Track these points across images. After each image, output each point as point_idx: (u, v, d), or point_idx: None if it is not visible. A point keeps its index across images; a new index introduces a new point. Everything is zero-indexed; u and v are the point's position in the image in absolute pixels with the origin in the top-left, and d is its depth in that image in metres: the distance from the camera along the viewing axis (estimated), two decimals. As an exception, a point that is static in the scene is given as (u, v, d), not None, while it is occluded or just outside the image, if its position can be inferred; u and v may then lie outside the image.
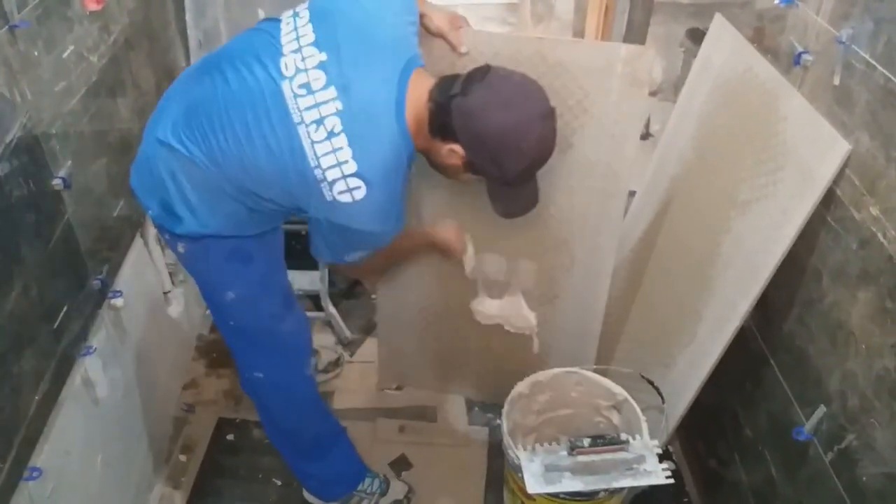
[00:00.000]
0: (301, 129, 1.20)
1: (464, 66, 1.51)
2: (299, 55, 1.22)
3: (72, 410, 1.43)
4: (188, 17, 2.17)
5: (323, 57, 1.21)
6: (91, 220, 1.57)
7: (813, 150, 1.29)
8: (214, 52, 1.40)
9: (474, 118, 1.22)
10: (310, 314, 2.40)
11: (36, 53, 1.35)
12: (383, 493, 1.85)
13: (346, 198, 1.21)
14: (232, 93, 1.26)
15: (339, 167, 1.19)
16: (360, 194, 1.20)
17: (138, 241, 1.85)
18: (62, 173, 1.42)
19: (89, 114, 1.57)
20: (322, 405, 1.76)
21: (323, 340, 2.37)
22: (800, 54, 1.37)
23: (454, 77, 1.27)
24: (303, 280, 2.35)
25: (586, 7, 2.58)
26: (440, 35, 1.49)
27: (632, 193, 2.07)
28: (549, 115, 1.28)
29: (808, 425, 1.31)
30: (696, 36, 2.84)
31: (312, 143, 1.20)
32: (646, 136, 2.95)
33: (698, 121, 1.77)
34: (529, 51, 1.49)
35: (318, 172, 1.20)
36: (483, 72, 1.26)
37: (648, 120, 2.96)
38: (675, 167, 1.86)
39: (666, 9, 3.05)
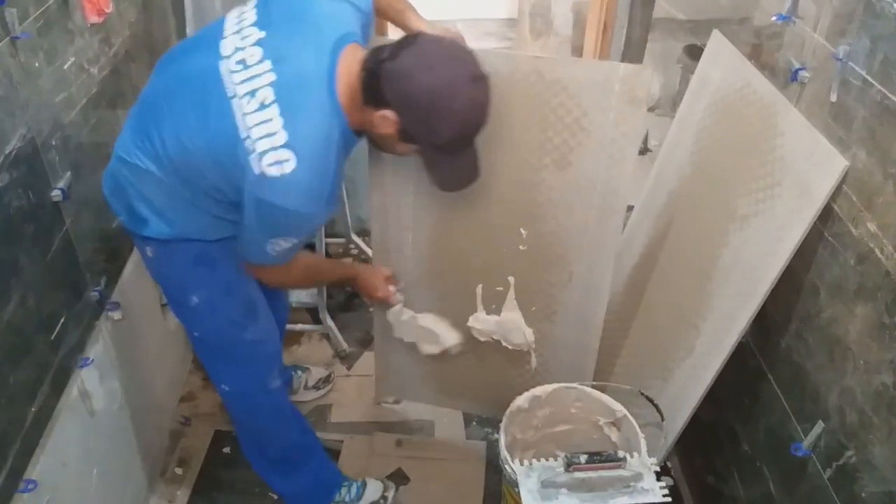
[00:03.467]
0: (234, 102, 1.21)
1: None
2: (239, 36, 1.26)
3: (68, 422, 1.43)
4: (189, 29, 2.18)
5: (261, 35, 1.25)
6: (90, 231, 1.57)
7: (810, 166, 1.29)
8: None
9: (403, 80, 1.22)
10: (308, 327, 2.41)
11: (37, 65, 1.35)
12: (359, 498, 1.85)
13: (274, 171, 1.19)
14: (172, 83, 1.31)
15: (269, 138, 1.19)
16: (289, 167, 1.19)
17: (136, 253, 1.85)
18: (61, 184, 1.42)
19: (89, 125, 1.58)
20: (292, 420, 1.75)
21: (320, 353, 2.37)
22: (797, 70, 1.38)
23: (383, 45, 1.27)
24: (301, 293, 2.35)
25: (585, 23, 2.60)
26: None
27: (630, 208, 2.08)
28: (480, 78, 1.27)
29: (807, 441, 1.31)
30: (694, 52, 2.87)
31: (244, 114, 1.20)
32: (644, 150, 2.97)
33: (696, 136, 1.78)
34: (527, 69, 1.50)
35: (248, 143, 1.20)
36: (413, 37, 1.27)
37: (647, 135, 2.98)
38: (673, 182, 1.87)
39: (664, 25, 3.08)
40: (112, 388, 1.65)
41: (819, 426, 1.28)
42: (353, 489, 1.86)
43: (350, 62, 1.25)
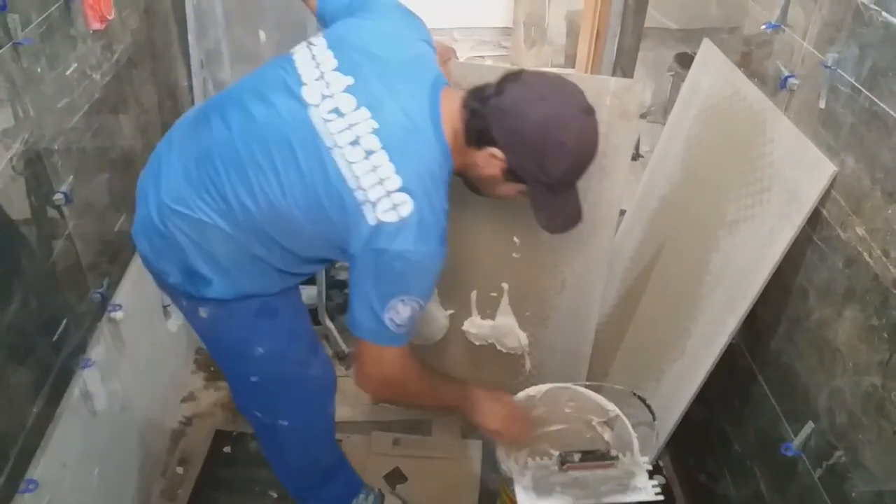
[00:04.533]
0: (336, 153, 1.15)
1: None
2: (323, 82, 1.19)
3: (69, 423, 1.43)
4: (190, 36, 2.19)
5: (349, 81, 1.18)
6: (92, 234, 1.58)
7: (799, 172, 1.32)
8: (214, 97, 1.35)
9: (512, 115, 1.17)
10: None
11: (39, 70, 1.36)
12: None
13: (391, 216, 1.14)
14: (248, 133, 1.20)
15: (382, 185, 1.13)
16: (406, 210, 1.13)
17: (138, 256, 1.87)
18: (64, 188, 1.43)
19: (91, 130, 1.59)
20: (333, 441, 1.73)
21: (318, 355, 2.38)
22: (786, 78, 1.40)
23: (485, 84, 1.23)
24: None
25: (578, 32, 2.63)
26: None
27: (622, 213, 2.10)
28: (590, 110, 1.22)
29: (797, 441, 1.32)
30: (685, 60, 2.90)
31: (350, 164, 1.14)
32: (636, 156, 3.00)
33: (687, 142, 1.80)
34: None
35: (359, 194, 1.14)
36: (517, 73, 1.22)
37: (638, 141, 3.01)
38: (664, 187, 1.89)
39: (655, 34, 3.11)
40: (113, 389, 1.65)
41: (809, 426, 1.29)
42: (371, 498, 1.84)
43: (451, 103, 1.21)
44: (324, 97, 1.18)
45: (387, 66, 1.21)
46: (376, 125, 1.15)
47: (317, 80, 1.20)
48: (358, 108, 1.16)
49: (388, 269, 1.16)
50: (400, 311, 1.19)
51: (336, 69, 1.20)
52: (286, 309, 1.40)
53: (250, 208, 1.20)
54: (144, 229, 1.30)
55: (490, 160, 1.21)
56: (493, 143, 1.19)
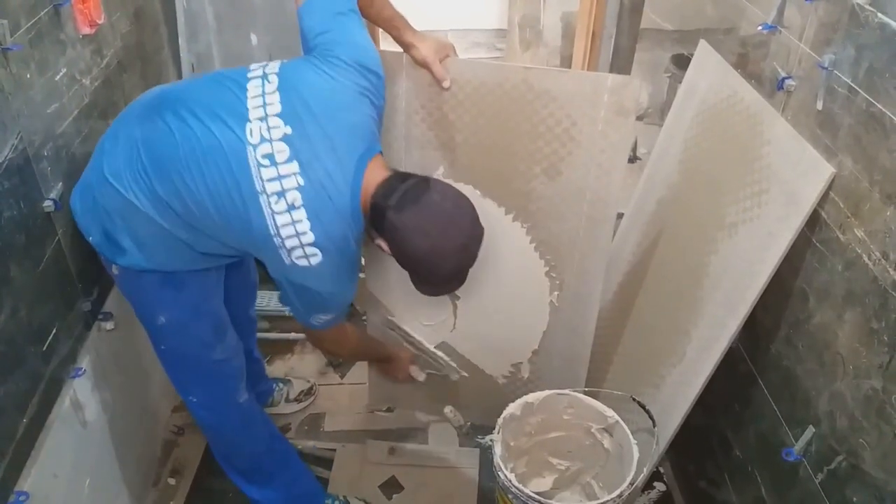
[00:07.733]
0: (262, 199, 1.27)
1: (453, 95, 1.54)
2: (265, 124, 1.28)
3: (60, 433, 1.42)
4: (181, 40, 2.18)
5: (288, 130, 1.28)
6: (82, 241, 1.56)
7: (797, 174, 1.31)
8: (171, 89, 1.45)
9: (399, 236, 1.32)
10: (300, 336, 2.40)
11: (28, 76, 1.35)
12: None
13: (303, 262, 1.30)
14: (195, 145, 1.30)
15: (297, 237, 1.28)
16: (315, 260, 1.30)
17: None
18: (53, 195, 1.42)
19: (81, 136, 1.57)
20: (261, 431, 1.74)
21: (313, 362, 2.36)
22: (783, 79, 1.39)
23: (402, 179, 1.33)
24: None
25: (573, 33, 2.62)
26: (425, 66, 1.51)
27: (620, 216, 2.09)
28: (470, 244, 1.37)
29: (798, 446, 1.31)
30: (682, 62, 2.89)
31: (273, 213, 1.27)
32: (633, 159, 2.99)
33: (684, 144, 1.79)
34: (516, 79, 1.51)
35: (277, 240, 1.29)
36: (421, 191, 1.32)
37: (635, 143, 3.00)
38: (662, 190, 1.88)
39: (652, 35, 3.10)
40: (104, 398, 1.64)
41: (810, 431, 1.29)
42: None
43: (373, 178, 1.33)
44: (262, 139, 1.28)
45: (324, 129, 1.29)
46: (302, 182, 1.27)
47: (259, 119, 1.29)
48: (289, 160, 1.27)
49: (305, 296, 1.38)
50: (321, 318, 1.44)
51: (278, 114, 1.29)
52: (194, 285, 1.48)
53: (179, 210, 1.33)
54: (82, 189, 1.43)
55: (380, 244, 1.38)
56: (384, 239, 1.36)
